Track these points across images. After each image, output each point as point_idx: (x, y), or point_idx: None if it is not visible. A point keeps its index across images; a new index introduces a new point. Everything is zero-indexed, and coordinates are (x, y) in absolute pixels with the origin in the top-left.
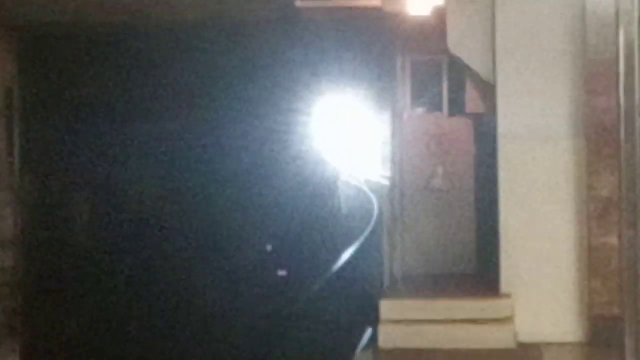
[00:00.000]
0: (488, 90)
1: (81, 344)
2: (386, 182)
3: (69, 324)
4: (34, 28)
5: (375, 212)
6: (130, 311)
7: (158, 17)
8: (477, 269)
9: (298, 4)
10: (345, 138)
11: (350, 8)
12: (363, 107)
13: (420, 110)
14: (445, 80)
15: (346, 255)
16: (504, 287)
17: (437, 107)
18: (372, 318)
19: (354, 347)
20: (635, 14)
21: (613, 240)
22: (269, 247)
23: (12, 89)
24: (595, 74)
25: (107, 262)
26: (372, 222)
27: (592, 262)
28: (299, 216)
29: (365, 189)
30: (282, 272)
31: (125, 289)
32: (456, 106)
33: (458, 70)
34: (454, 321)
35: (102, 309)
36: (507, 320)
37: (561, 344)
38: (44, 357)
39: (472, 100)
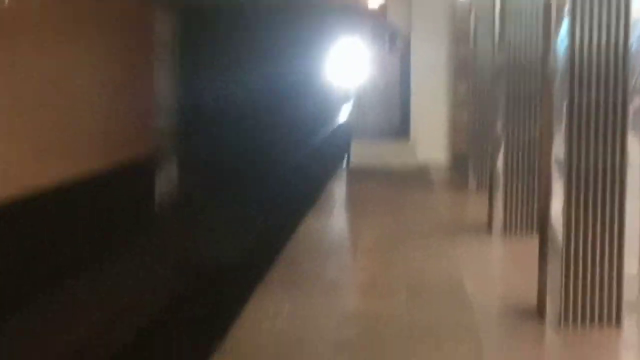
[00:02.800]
0: (407, 40)
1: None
2: (357, 86)
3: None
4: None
5: (352, 100)
6: (241, 146)
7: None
8: (399, 128)
9: None
10: (342, 64)
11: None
12: (351, 49)
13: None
14: (387, 36)
15: (340, 120)
16: (412, 136)
17: (384, 47)
18: (348, 150)
19: (341, 162)
20: (481, 3)
21: (465, 116)
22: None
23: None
24: (459, 33)
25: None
26: (351, 105)
27: (453, 127)
28: (320, 104)
29: (349, 89)
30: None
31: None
32: (393, 48)
33: (394, 32)
34: (387, 151)
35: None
36: (413, 152)
37: (437, 167)
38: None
39: (400, 45)
